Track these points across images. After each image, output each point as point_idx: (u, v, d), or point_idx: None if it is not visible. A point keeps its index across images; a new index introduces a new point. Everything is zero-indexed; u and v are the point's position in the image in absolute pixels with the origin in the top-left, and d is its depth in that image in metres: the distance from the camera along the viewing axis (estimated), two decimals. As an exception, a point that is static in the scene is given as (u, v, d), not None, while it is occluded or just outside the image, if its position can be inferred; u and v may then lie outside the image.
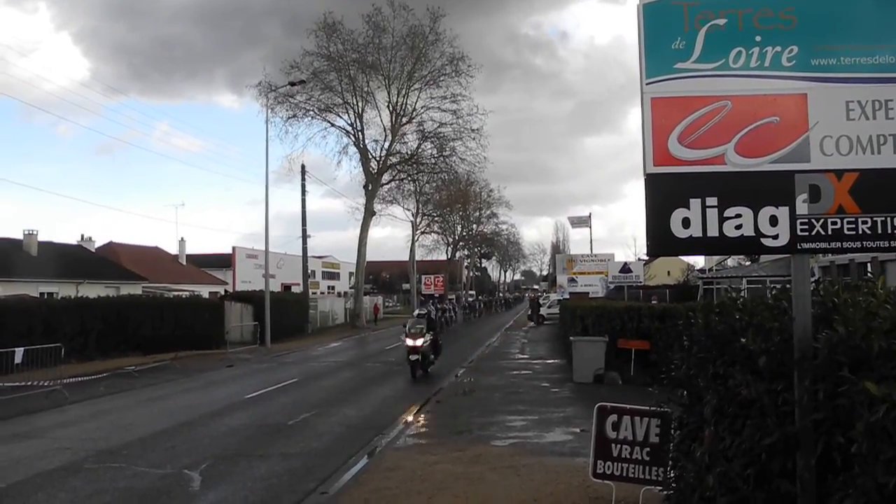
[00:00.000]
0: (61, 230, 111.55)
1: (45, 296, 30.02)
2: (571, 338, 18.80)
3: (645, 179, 4.22)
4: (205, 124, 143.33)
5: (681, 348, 5.56)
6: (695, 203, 4.19)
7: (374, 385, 20.14)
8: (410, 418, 13.40)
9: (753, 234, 4.35)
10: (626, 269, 35.16)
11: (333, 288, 74.39)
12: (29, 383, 16.02)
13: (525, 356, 26.10)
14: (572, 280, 48.58)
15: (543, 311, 49.85)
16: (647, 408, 6.74)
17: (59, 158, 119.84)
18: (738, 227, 4.33)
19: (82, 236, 49.93)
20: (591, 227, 53.15)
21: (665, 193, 4.24)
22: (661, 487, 6.72)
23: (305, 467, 10.35)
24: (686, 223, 4.21)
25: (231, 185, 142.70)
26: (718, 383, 4.64)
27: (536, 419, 13.08)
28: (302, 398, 16.97)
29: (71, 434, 10.14)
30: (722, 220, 4.31)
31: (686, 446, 5.35)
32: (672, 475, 6.07)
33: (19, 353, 16.53)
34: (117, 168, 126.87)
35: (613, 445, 6.77)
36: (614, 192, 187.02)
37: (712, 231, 4.30)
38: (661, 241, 4.28)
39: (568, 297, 39.26)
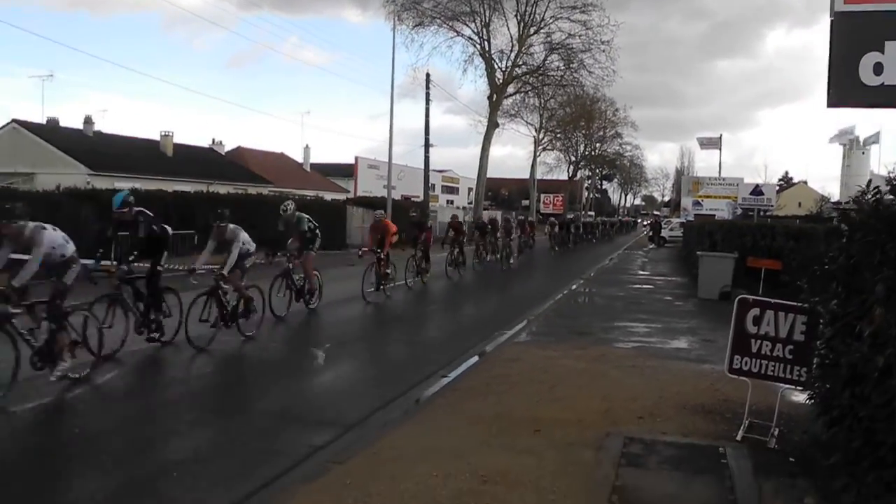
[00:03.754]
0: (194, 134, 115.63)
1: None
2: (698, 252, 18.09)
3: (832, 20, 3.72)
4: (331, 38, 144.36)
5: (838, 237, 5.20)
6: (892, 47, 3.66)
7: (490, 288, 20.20)
8: (530, 319, 13.28)
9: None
10: (757, 191, 33.27)
11: (452, 202, 74.55)
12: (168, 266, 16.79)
13: (646, 273, 25.49)
14: (697, 203, 46.95)
15: (665, 233, 48.49)
16: (793, 303, 6.31)
17: (194, 69, 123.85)
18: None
19: (213, 140, 51.62)
20: (720, 150, 50.78)
21: (856, 35, 3.73)
22: (801, 388, 6.38)
23: (426, 354, 10.48)
24: (878, 69, 3.70)
25: (355, 98, 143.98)
26: (888, 267, 4.24)
27: (660, 327, 12.71)
28: (423, 295, 17.21)
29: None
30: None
31: (839, 342, 4.98)
32: (816, 374, 5.71)
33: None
34: (247, 77, 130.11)
35: (753, 341, 6.39)
36: (745, 119, 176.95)
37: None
38: (845, 89, 3.82)
39: (692, 219, 37.92)
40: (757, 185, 35.02)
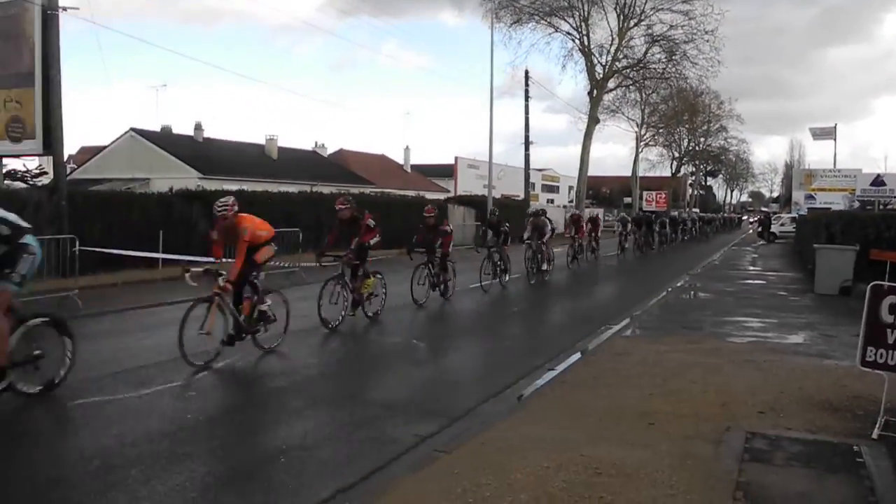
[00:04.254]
0: (298, 137, 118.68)
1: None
2: (815, 246, 17.18)
3: None
4: (429, 40, 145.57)
5: None
6: None
7: (593, 284, 19.81)
8: (637, 314, 12.87)
9: None
10: (878, 181, 31.39)
11: (552, 201, 73.83)
12: (275, 263, 17.22)
13: (756, 268, 24.46)
14: (810, 196, 44.85)
15: (775, 228, 46.53)
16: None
17: (297, 74, 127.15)
18: None
19: (316, 143, 52.82)
20: (835, 140, 48.38)
21: None
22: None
23: (531, 347, 10.31)
24: None
25: (453, 99, 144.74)
26: None
27: (776, 322, 12.10)
28: (527, 291, 16.98)
29: (311, 306, 10.73)
30: None
31: None
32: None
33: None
34: (348, 82, 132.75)
35: (889, 331, 5.90)
36: (860, 109, 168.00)
37: None
38: None
39: (805, 213, 36.22)
40: (878, 176, 33.12)
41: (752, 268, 24.66)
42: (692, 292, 16.45)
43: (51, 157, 18.01)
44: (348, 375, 8.55)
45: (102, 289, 14.80)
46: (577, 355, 9.37)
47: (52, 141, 16.89)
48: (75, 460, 5.33)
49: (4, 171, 21.03)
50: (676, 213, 51.62)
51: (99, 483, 4.87)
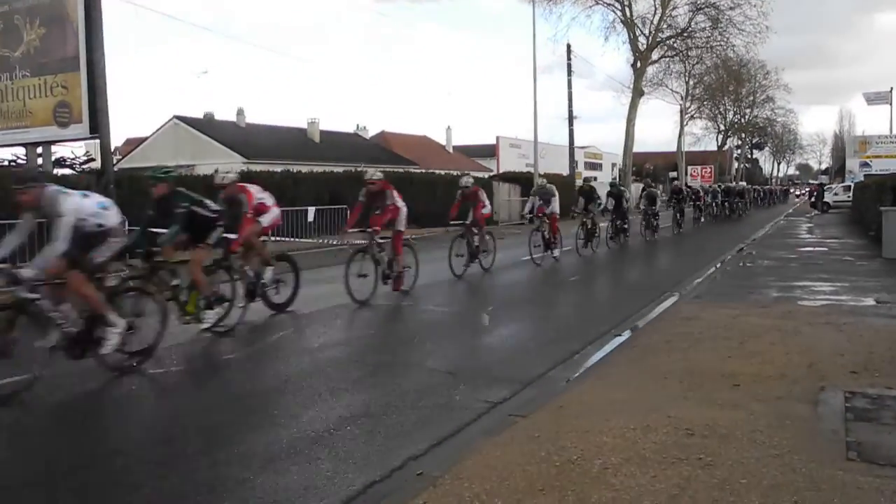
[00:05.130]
0: (339, 121, 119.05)
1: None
2: (882, 208, 16.44)
3: None
4: (469, 19, 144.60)
5: None
6: None
7: (646, 255, 19.34)
8: (699, 280, 12.41)
9: None
10: (939, 144, 30.19)
11: (595, 178, 72.91)
12: (320, 241, 17.14)
13: (814, 236, 23.64)
14: (865, 164, 43.62)
15: (829, 197, 45.21)
16: None
17: (337, 57, 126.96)
18: None
19: (357, 125, 52.73)
20: (891, 105, 46.70)
21: None
22: None
23: (593, 314, 10.00)
24: None
25: (493, 79, 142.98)
26: None
27: (847, 286, 11.52)
28: (581, 262, 16.56)
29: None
30: None
31: None
32: None
33: (311, 211, 17.70)
34: (388, 63, 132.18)
35: None
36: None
37: None
38: None
39: (860, 181, 35.04)
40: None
41: (809, 236, 23.84)
42: (753, 260, 15.87)
43: (97, 142, 17.99)
44: (402, 345, 8.27)
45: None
46: (644, 321, 9.00)
47: (98, 124, 16.87)
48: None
49: (53, 158, 21.14)
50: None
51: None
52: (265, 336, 8.49)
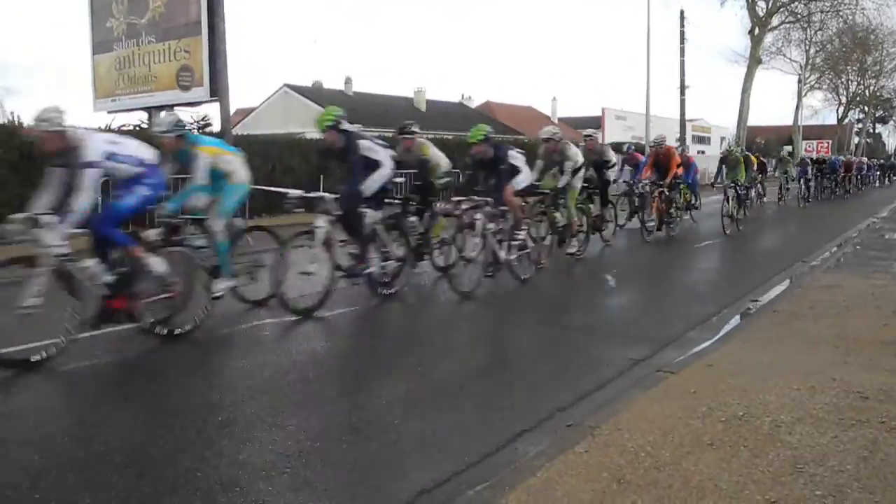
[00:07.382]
0: (445, 90, 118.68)
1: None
2: None
3: None
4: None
5: None
6: None
7: (769, 226, 18.52)
8: (832, 251, 11.74)
9: None
10: None
11: (703, 152, 70.62)
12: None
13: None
14: None
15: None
16: None
17: (443, 25, 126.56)
18: None
19: (462, 95, 52.53)
20: None
21: None
22: None
23: (725, 280, 9.63)
24: None
25: (599, 50, 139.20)
26: None
27: None
28: (706, 229, 15.94)
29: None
30: None
31: None
32: None
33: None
34: (494, 33, 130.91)
35: None
36: None
37: None
38: None
39: None
40: None
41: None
42: (888, 233, 14.93)
43: (217, 105, 18.41)
44: (537, 303, 8.04)
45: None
46: (781, 287, 8.55)
47: (217, 87, 17.26)
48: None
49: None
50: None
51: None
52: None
